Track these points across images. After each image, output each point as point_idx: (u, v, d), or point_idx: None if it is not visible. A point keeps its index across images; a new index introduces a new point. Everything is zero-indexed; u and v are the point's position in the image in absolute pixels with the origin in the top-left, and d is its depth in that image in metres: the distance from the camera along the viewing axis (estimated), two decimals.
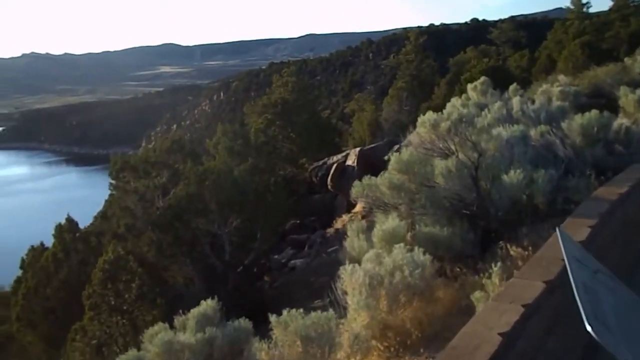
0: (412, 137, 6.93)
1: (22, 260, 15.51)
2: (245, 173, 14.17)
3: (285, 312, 4.52)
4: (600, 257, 3.48)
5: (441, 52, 62.11)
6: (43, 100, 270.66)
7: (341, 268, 5.42)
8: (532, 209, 6.63)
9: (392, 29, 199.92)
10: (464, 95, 16.06)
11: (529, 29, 65.77)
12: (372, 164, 17.19)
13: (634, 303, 2.42)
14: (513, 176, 6.23)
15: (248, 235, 13.62)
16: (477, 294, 4.31)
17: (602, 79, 16.87)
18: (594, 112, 8.66)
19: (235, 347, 4.73)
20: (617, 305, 2.21)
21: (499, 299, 3.38)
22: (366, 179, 6.83)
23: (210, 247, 13.18)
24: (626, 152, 8.33)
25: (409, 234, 6.44)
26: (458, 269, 5.78)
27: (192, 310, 4.66)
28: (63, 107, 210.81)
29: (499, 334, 2.91)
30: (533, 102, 13.52)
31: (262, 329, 5.44)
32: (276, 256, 16.88)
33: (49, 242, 17.46)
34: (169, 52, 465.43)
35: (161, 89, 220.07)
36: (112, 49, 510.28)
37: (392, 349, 4.62)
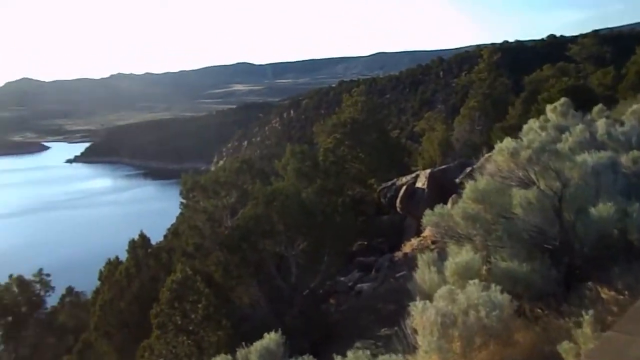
0: (488, 165, 6.53)
1: (100, 272, 16.30)
2: (313, 195, 14.13)
3: (350, 353, 4.30)
4: None
5: (515, 70, 60.14)
6: (125, 117, 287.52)
7: (411, 304, 5.13)
8: (625, 246, 6.04)
9: (464, 47, 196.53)
10: (542, 117, 15.24)
11: (614, 44, 62.22)
12: (443, 187, 16.71)
13: None
14: (602, 209, 5.70)
15: (315, 258, 13.51)
16: (566, 345, 3.89)
17: None
18: None
19: None
20: None
21: (595, 357, 3.00)
22: (438, 208, 6.50)
23: (276, 269, 13.19)
24: None
25: (484, 267, 6.05)
26: (539, 310, 5.34)
27: (255, 344, 4.53)
28: (142, 124, 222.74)
29: None
30: (621, 124, 12.58)
31: (327, 357, 5.24)
32: (343, 278, 16.65)
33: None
34: (242, 70, 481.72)
35: (234, 107, 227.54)
36: (188, 69, 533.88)
37: None
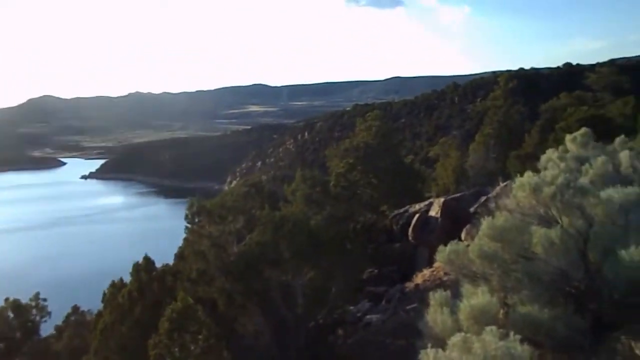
0: (507, 200, 6.12)
1: (104, 294, 15.94)
2: (323, 222, 13.74)
3: None
4: None
5: (531, 97, 59.59)
6: (142, 135, 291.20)
7: (422, 352, 4.70)
8: None
9: (479, 73, 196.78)
10: (561, 147, 14.77)
11: (632, 73, 61.63)
12: (457, 216, 16.26)
13: None
14: (634, 252, 5.24)
15: (322, 288, 13.05)
16: None
17: None
18: None
19: None
20: None
21: None
22: (453, 244, 6.09)
23: (282, 299, 12.73)
24: None
25: (502, 311, 5.61)
26: None
27: None
28: (158, 142, 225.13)
29: None
30: None
31: None
32: (352, 308, 16.12)
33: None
34: (258, 92, 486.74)
35: (249, 127, 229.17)
36: (205, 88, 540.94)
37: None
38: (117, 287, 15.58)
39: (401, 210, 19.42)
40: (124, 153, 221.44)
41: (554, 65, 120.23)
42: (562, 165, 13.28)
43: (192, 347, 10.41)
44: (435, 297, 6.13)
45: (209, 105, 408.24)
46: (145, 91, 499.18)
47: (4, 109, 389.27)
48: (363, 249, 16.13)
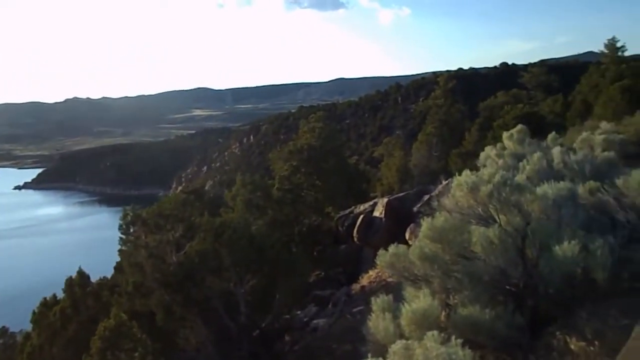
0: (446, 200, 6.04)
1: (33, 313, 14.90)
2: (264, 228, 13.39)
3: None
4: None
5: (470, 96, 61.52)
6: (81, 142, 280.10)
7: None
8: (589, 285, 5.63)
9: (421, 73, 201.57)
10: (498, 144, 15.13)
11: (560, 73, 64.70)
12: (401, 216, 16.33)
13: None
14: (567, 248, 5.27)
15: (266, 296, 12.70)
16: None
17: None
18: None
19: None
20: None
21: None
22: (393, 247, 5.97)
23: (224, 308, 12.27)
24: None
25: (444, 313, 5.52)
26: None
27: None
28: (99, 149, 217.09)
29: None
30: (574, 151, 12.52)
31: None
32: (299, 312, 15.87)
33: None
34: (202, 96, 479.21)
35: (193, 132, 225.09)
36: (147, 93, 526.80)
37: None
38: (48, 305, 14.60)
39: (346, 212, 19.36)
40: (62, 161, 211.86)
41: (491, 65, 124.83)
42: (500, 162, 13.60)
43: None
44: (377, 303, 5.99)
45: (152, 110, 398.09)
46: (83, 96, 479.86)
47: None
48: (308, 253, 15.90)
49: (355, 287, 15.21)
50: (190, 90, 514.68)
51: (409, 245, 6.75)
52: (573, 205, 7.23)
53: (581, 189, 8.18)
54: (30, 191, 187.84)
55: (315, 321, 14.38)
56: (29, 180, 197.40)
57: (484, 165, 13.53)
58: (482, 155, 13.88)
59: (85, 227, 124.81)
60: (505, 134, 15.40)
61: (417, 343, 4.68)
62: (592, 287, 5.67)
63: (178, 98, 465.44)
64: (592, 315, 5.17)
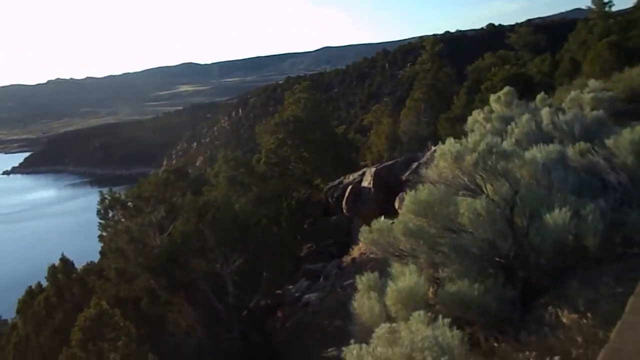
0: (430, 171, 5.73)
1: (18, 302, 14.59)
2: (248, 205, 13.05)
3: None
4: None
5: (458, 59, 60.78)
6: (68, 124, 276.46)
7: (344, 350, 4.30)
8: (581, 252, 5.41)
9: (408, 38, 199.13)
10: (486, 108, 14.79)
11: (547, 32, 64.00)
12: (389, 185, 16.06)
13: None
14: (558, 216, 5.01)
15: (253, 275, 12.47)
16: None
17: (638, 81, 15.41)
18: None
19: None
20: None
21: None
22: (376, 223, 5.69)
23: (212, 290, 12.05)
24: None
25: (431, 290, 5.29)
26: (493, 339, 4.61)
27: None
28: (86, 130, 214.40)
29: None
30: (563, 112, 12.21)
31: None
32: (291, 287, 15.73)
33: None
34: (188, 71, 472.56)
35: (180, 108, 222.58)
36: (131, 71, 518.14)
37: None
38: (34, 293, 14.29)
39: (335, 182, 19.05)
40: (50, 144, 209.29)
41: (478, 27, 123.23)
42: (488, 126, 13.28)
43: (112, 356, 9.57)
44: (362, 281, 5.75)
45: (137, 88, 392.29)
46: (67, 77, 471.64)
47: None
48: (298, 226, 15.64)
49: (346, 259, 15.06)
50: (176, 66, 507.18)
51: (398, 215, 6.49)
52: (563, 168, 6.96)
53: (571, 151, 7.90)
54: (18, 176, 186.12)
55: (306, 296, 14.25)
56: (17, 165, 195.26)
57: (472, 130, 13.20)
58: (470, 119, 13.53)
59: (77, 210, 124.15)
60: (492, 97, 15.05)
61: (403, 324, 4.45)
62: (584, 254, 5.45)
63: (163, 74, 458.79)
64: (585, 284, 4.95)
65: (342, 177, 20.07)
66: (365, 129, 51.32)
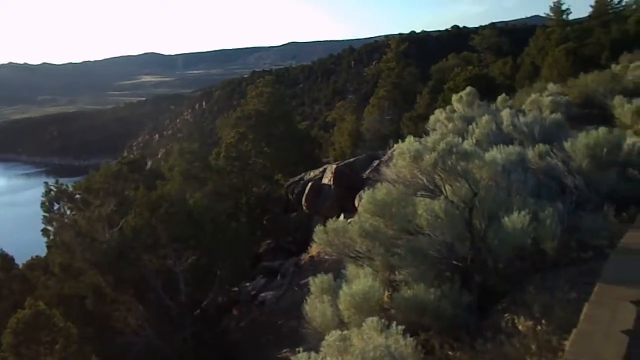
0: (387, 170, 5.53)
1: None
2: (203, 201, 12.59)
3: None
4: None
5: (422, 59, 61.26)
6: (22, 111, 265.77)
7: (293, 358, 4.06)
8: (539, 256, 5.32)
9: (374, 37, 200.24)
10: (448, 107, 14.80)
11: (510, 36, 65.39)
12: (350, 182, 15.90)
13: None
14: (516, 219, 4.89)
15: (207, 273, 12.04)
16: None
17: (592, 87, 15.76)
18: (602, 130, 7.39)
19: None
20: None
21: None
22: (331, 223, 5.46)
23: (163, 288, 11.54)
24: None
25: (386, 293, 5.09)
26: (448, 346, 4.45)
27: None
28: (43, 118, 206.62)
29: None
30: (523, 113, 12.29)
31: None
32: (247, 284, 15.38)
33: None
34: (151, 61, 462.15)
35: (143, 99, 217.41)
36: (92, 59, 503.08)
37: None
38: None
39: (296, 179, 18.78)
40: (2, 131, 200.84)
41: (443, 28, 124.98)
42: (450, 125, 13.27)
43: (48, 359, 8.91)
44: (316, 282, 5.52)
45: (98, 76, 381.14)
46: (20, 62, 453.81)
47: None
48: (257, 222, 15.26)
49: (305, 257, 14.81)
50: (139, 55, 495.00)
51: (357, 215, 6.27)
52: (523, 170, 6.91)
53: (531, 153, 7.89)
54: None
55: (262, 294, 13.93)
56: None
57: (434, 129, 13.18)
58: (432, 118, 13.51)
59: (30, 201, 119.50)
60: (454, 97, 15.09)
61: (355, 331, 4.23)
62: (541, 258, 5.38)
63: (125, 64, 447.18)
64: (541, 289, 4.86)
65: (303, 174, 19.84)
66: (329, 125, 51.20)
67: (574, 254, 5.33)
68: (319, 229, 5.51)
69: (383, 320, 4.17)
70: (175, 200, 11.83)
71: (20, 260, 16.53)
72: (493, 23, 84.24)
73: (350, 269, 5.54)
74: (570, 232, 5.59)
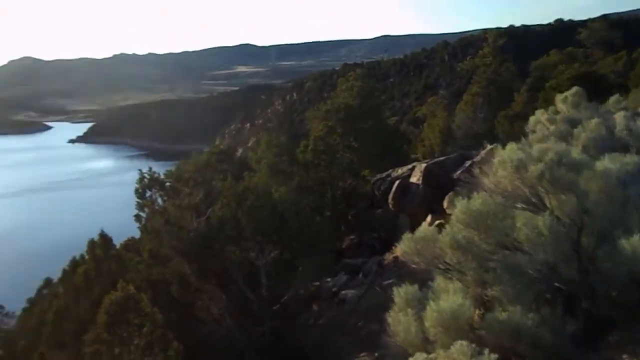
0: (485, 179, 5.07)
1: (63, 271, 14.85)
2: (288, 195, 12.61)
3: None
4: None
5: (521, 55, 58.02)
6: (128, 98, 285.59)
7: None
8: None
9: (469, 31, 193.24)
10: (550, 108, 13.73)
11: (624, 29, 60.18)
12: (439, 182, 15.30)
13: None
14: (636, 240, 4.29)
15: (287, 268, 12.08)
16: None
17: None
18: None
19: None
20: None
21: None
22: (420, 231, 5.11)
23: (245, 280, 11.71)
24: None
25: (477, 312, 4.69)
26: None
27: None
28: (146, 104, 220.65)
29: None
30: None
31: None
32: (328, 280, 15.31)
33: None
34: (246, 52, 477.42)
35: (237, 88, 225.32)
36: (191, 49, 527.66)
37: None
38: (77, 264, 14.46)
39: (383, 175, 18.37)
40: (111, 116, 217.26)
41: (545, 22, 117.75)
42: (552, 128, 12.28)
43: (136, 342, 9.40)
44: (400, 294, 5.21)
45: (196, 66, 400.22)
46: (130, 52, 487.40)
47: None
48: (342, 217, 15.07)
49: (388, 256, 14.45)
50: (234, 46, 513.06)
51: (445, 217, 5.90)
52: None
53: None
54: (82, 145, 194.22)
55: (343, 292, 13.77)
56: (81, 134, 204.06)
57: (534, 131, 12.28)
58: (532, 119, 12.58)
59: (133, 181, 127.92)
60: (558, 97, 13.95)
61: (442, 354, 3.91)
62: None
63: (221, 54, 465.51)
64: None
65: (391, 170, 19.36)
66: (419, 121, 50.02)
67: None
68: (406, 236, 5.19)
69: (473, 345, 3.82)
70: (261, 193, 11.96)
71: (122, 238, 17.55)
72: (605, 15, 78.13)
73: (439, 282, 5.18)
74: None
